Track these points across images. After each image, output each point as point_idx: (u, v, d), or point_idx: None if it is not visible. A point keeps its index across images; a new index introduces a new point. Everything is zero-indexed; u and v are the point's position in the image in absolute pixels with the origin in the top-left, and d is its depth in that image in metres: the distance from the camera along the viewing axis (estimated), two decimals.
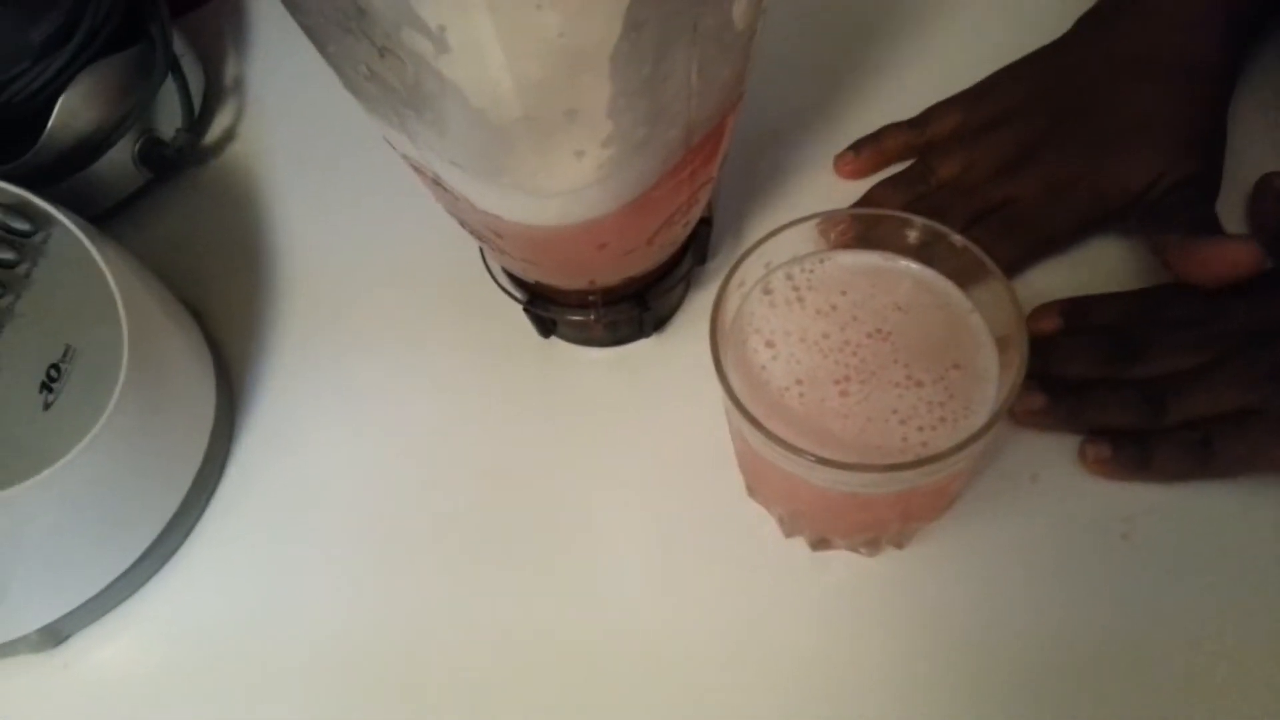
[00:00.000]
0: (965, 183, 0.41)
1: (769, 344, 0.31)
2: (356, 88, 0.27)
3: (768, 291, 0.32)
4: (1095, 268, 0.39)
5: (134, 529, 0.37)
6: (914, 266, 0.32)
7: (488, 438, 0.40)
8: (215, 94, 0.52)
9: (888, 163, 0.44)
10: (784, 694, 0.33)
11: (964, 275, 0.31)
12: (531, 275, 0.36)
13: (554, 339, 0.41)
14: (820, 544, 0.35)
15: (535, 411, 0.40)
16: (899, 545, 0.35)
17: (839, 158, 0.44)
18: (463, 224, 0.34)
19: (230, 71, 0.53)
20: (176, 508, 0.38)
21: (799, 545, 0.36)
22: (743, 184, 0.44)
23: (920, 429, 0.29)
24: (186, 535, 0.39)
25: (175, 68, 0.47)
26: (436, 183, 0.30)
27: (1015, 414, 0.36)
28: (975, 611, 0.33)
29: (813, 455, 0.27)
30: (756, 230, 0.43)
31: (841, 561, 0.35)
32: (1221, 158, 0.39)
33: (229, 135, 0.50)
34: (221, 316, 0.44)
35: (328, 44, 0.25)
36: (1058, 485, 0.35)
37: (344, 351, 0.42)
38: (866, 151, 0.44)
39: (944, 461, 0.27)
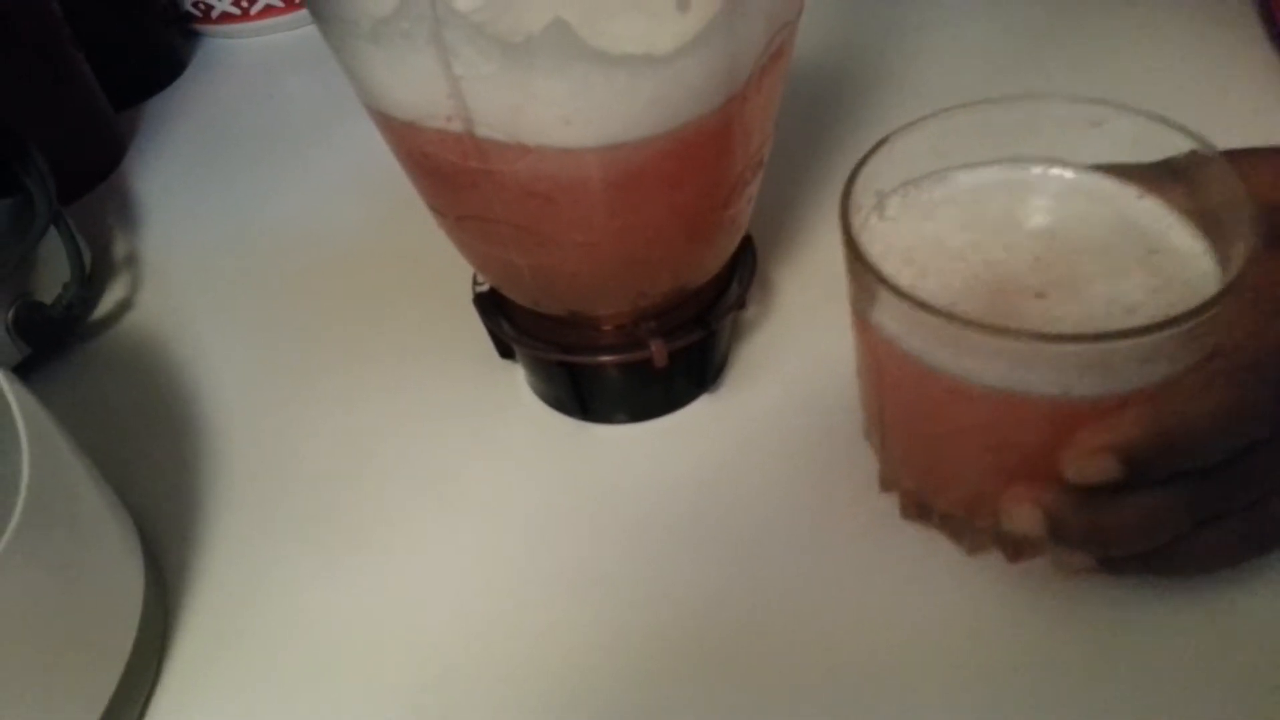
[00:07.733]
0: None
1: (908, 260, 0.24)
2: None
3: (885, 215, 0.26)
4: None
5: None
6: (1053, 171, 0.26)
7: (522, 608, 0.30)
8: (105, 269, 0.43)
9: None
10: None
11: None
12: (569, 297, 0.28)
13: (588, 425, 0.33)
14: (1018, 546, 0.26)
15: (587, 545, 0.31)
16: None
17: None
18: (486, 238, 0.26)
19: (121, 249, 0.45)
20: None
21: (992, 564, 0.27)
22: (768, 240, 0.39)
23: (1154, 317, 0.22)
24: None
25: (59, 219, 0.39)
26: (469, 139, 0.23)
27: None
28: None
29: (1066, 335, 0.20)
30: (787, 275, 0.37)
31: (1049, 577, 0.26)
32: None
33: (125, 305, 0.41)
34: (144, 495, 0.32)
35: None
36: None
37: (295, 537, 0.32)
38: None
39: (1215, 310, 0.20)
